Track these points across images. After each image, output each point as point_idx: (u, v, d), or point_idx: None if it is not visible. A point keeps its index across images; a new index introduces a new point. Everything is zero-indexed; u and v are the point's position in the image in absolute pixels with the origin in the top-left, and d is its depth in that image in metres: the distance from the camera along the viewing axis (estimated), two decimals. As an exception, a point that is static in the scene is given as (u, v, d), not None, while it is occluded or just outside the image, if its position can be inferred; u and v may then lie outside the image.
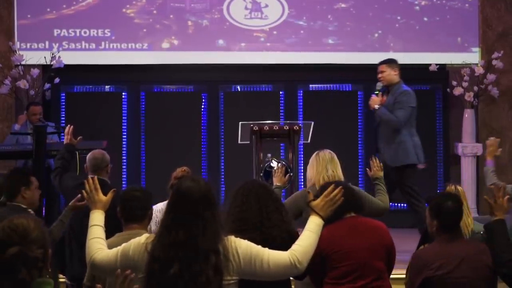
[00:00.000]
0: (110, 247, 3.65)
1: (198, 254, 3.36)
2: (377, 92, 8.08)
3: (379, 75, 8.08)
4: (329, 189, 3.78)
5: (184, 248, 3.36)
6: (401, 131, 7.91)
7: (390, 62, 8.13)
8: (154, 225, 5.29)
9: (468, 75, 10.11)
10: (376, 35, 10.48)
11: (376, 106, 7.99)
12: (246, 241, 3.54)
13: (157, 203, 5.31)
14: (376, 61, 10.39)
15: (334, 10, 10.45)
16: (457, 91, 10.10)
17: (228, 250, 3.43)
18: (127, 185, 10.12)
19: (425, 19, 10.49)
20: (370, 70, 10.44)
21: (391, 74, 8.03)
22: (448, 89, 10.29)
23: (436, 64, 10.21)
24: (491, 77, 10.13)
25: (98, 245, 3.61)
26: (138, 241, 3.52)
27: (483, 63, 10.22)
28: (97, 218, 3.73)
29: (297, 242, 3.61)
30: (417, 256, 4.35)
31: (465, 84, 10.09)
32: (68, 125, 6.73)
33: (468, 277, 4.24)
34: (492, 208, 4.23)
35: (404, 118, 7.86)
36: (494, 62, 10.17)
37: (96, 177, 3.86)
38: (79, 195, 5.14)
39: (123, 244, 3.56)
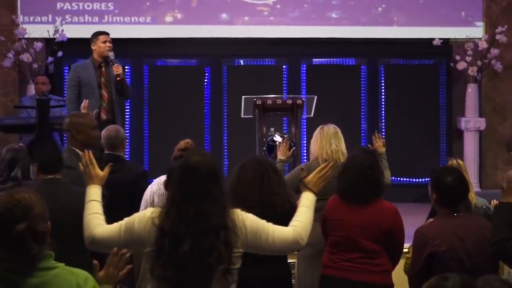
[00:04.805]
0: None
1: (209, 230, 3.36)
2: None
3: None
4: (322, 165, 3.82)
5: (195, 224, 3.36)
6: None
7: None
8: (157, 197, 5.31)
9: (472, 50, 10.08)
10: (380, 9, 10.44)
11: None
12: (251, 214, 3.54)
13: (160, 175, 5.33)
14: (380, 35, 10.42)
15: (338, -16, 10.41)
16: (461, 65, 10.08)
17: (235, 224, 3.44)
18: (130, 158, 10.15)
19: (429, -7, 10.45)
20: (373, 44, 10.45)
21: None
22: (451, 64, 10.26)
23: (440, 39, 10.17)
24: (494, 51, 10.09)
25: (97, 220, 3.54)
26: (144, 215, 3.49)
27: (486, 38, 10.18)
28: (95, 193, 3.64)
29: (295, 218, 3.61)
30: (419, 232, 4.35)
31: (468, 58, 10.06)
32: (84, 100, 6.95)
33: (471, 252, 4.23)
34: (503, 192, 4.27)
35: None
36: (498, 37, 10.13)
37: (91, 151, 3.75)
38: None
39: (125, 219, 3.51)
